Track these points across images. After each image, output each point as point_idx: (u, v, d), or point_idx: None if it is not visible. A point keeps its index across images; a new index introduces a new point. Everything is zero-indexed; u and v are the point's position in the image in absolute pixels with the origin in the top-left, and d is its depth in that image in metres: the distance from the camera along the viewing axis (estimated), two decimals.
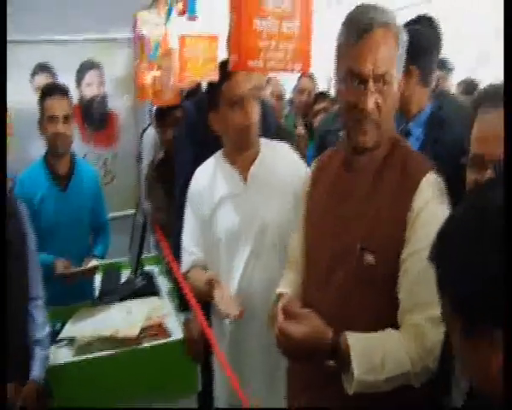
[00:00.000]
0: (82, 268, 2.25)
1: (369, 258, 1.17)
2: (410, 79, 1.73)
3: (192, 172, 1.83)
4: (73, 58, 3.19)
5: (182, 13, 1.80)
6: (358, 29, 1.12)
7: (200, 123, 1.94)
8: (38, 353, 1.72)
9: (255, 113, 1.62)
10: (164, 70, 1.84)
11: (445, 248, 0.71)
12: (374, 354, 1.10)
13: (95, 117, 3.29)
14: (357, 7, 1.18)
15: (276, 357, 1.48)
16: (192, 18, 1.50)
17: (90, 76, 3.28)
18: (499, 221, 0.62)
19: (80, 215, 2.41)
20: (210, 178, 1.76)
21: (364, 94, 1.13)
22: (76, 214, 2.38)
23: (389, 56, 1.15)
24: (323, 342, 1.10)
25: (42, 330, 1.78)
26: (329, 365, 1.13)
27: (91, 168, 2.57)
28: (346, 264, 1.22)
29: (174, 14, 1.89)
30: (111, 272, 2.66)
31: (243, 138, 1.66)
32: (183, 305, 1.99)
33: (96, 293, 2.49)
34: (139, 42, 2.80)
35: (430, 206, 1.15)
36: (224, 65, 1.57)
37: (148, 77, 2.37)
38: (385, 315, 1.18)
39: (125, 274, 2.71)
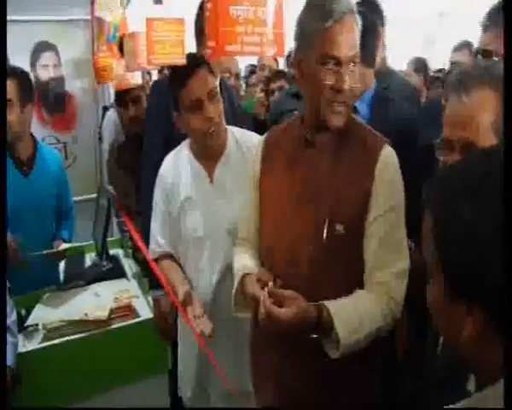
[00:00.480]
0: (53, 250, 2.22)
1: (339, 228, 1.27)
2: None
3: (161, 157, 1.82)
4: (27, 39, 3.08)
5: None
6: (331, 15, 1.19)
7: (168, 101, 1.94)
8: (8, 340, 1.70)
9: (216, 115, 1.61)
10: (127, 53, 1.83)
11: (441, 200, 0.69)
12: (352, 318, 1.21)
13: (52, 100, 3.20)
14: None
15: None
16: (158, 2, 1.51)
17: (46, 58, 3.18)
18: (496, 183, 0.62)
19: (44, 200, 2.37)
20: (177, 174, 1.75)
21: (341, 76, 1.22)
22: (40, 199, 2.34)
23: (356, 40, 1.25)
24: (310, 320, 1.18)
25: (10, 317, 1.77)
26: (313, 337, 1.22)
27: (54, 152, 2.52)
28: (315, 237, 1.29)
29: None
30: (74, 256, 2.63)
31: (205, 142, 1.66)
32: (152, 283, 2.01)
33: (61, 278, 2.47)
34: (97, 23, 2.75)
35: (389, 175, 1.28)
36: (177, 72, 1.60)
37: (108, 60, 2.34)
38: (351, 278, 1.30)
39: (89, 258, 2.71)
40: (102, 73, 2.48)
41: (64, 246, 2.35)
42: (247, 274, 1.37)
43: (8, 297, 1.81)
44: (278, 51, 0.97)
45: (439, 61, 5.68)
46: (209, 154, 1.70)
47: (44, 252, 2.21)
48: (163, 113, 1.94)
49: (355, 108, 1.86)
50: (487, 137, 1.03)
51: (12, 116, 2.17)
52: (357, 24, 1.25)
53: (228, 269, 1.63)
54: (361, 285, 1.30)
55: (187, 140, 1.78)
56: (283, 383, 1.39)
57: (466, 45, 3.37)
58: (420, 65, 3.85)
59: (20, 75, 2.22)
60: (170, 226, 1.78)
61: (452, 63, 3.23)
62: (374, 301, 1.25)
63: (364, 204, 1.27)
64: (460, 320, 0.65)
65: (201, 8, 1.95)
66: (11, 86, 2.15)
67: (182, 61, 1.42)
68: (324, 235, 1.28)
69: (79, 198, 3.01)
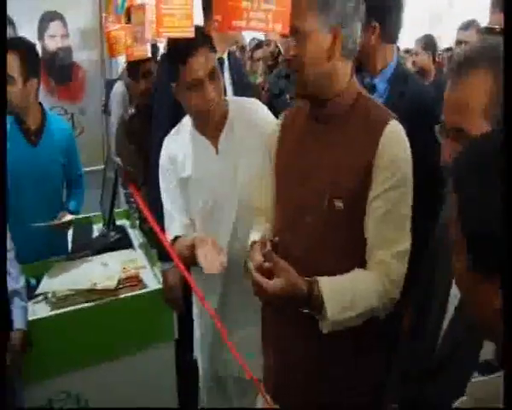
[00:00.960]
0: (56, 222, 2.26)
1: (338, 203, 1.27)
2: (372, 36, 1.79)
3: (170, 128, 1.83)
4: (35, 8, 3.07)
5: None
6: None
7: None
8: (18, 303, 1.76)
9: (216, 95, 1.60)
10: (136, 25, 1.82)
11: (465, 177, 0.70)
12: (344, 295, 1.21)
13: (59, 70, 3.19)
14: None
15: None
16: None
17: (53, 28, 3.16)
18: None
19: (52, 170, 2.39)
20: (181, 150, 1.74)
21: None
22: (48, 169, 2.36)
23: (298, 10, 1.21)
24: (299, 294, 1.18)
25: (18, 282, 1.82)
26: (304, 311, 1.23)
27: (64, 122, 2.53)
28: (315, 209, 1.31)
29: None
30: (82, 226, 2.67)
31: (203, 119, 1.66)
32: (160, 255, 2.04)
33: (69, 248, 2.51)
34: None
35: (393, 149, 1.24)
36: (178, 48, 1.58)
37: (119, 32, 2.33)
38: (352, 255, 1.29)
39: (96, 228, 2.75)
40: (114, 46, 2.47)
41: (68, 217, 2.36)
42: (255, 242, 1.39)
43: (15, 262, 1.85)
44: (283, 28, 0.97)
45: (448, 39, 5.61)
46: (211, 126, 1.70)
47: (46, 223, 2.23)
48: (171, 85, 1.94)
49: (373, 85, 1.87)
50: (478, 123, 0.99)
51: (13, 90, 2.14)
52: None
53: (236, 238, 1.67)
54: (363, 263, 1.29)
55: (187, 117, 1.77)
56: (284, 349, 1.43)
57: (472, 24, 3.30)
58: (428, 42, 3.80)
59: (26, 48, 2.20)
60: (183, 197, 1.76)
61: (458, 42, 3.16)
62: (369, 281, 1.24)
63: (366, 179, 1.25)
64: (489, 294, 0.66)
65: None
66: (15, 60, 2.12)
67: (190, 34, 1.41)
68: (323, 208, 1.29)
69: (87, 169, 3.01)
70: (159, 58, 2.10)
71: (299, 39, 1.23)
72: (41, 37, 3.12)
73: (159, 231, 1.76)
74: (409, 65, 3.71)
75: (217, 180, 1.71)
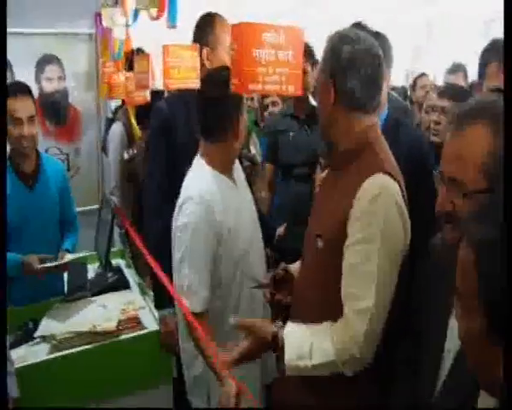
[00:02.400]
0: (58, 262, 2.26)
1: (320, 243, 1.35)
2: None
3: (165, 174, 1.93)
4: (32, 52, 3.14)
5: (155, 18, 1.87)
6: None
7: (173, 122, 2.02)
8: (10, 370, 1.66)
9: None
10: (139, 72, 1.90)
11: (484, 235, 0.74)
12: (303, 344, 1.27)
13: (56, 112, 3.25)
14: None
15: None
16: (173, 26, 1.58)
17: (50, 70, 3.22)
18: None
19: (49, 212, 2.41)
20: (215, 193, 1.66)
21: None
22: (44, 212, 2.37)
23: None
24: (265, 344, 1.32)
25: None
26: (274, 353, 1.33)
27: (58, 163, 2.55)
28: (310, 249, 1.44)
29: (148, 17, 1.94)
30: (77, 266, 2.67)
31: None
32: (158, 302, 2.07)
33: (65, 288, 2.51)
34: (102, 38, 2.81)
35: (365, 204, 1.24)
36: None
37: (120, 77, 2.41)
38: (332, 295, 1.31)
39: (91, 268, 2.76)
40: (114, 90, 2.55)
41: (68, 257, 2.38)
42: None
43: None
44: (295, 89, 1.04)
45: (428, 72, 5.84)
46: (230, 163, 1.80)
47: (47, 265, 2.23)
48: (163, 135, 2.04)
49: None
50: (474, 177, 1.01)
51: (35, 131, 2.26)
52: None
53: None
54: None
55: (198, 158, 1.77)
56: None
57: (460, 68, 3.43)
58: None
59: (30, 92, 2.27)
60: (211, 265, 1.67)
61: (447, 83, 3.28)
62: (330, 335, 1.26)
63: (341, 229, 1.28)
64: (496, 356, 0.69)
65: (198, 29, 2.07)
66: (31, 103, 2.23)
67: (196, 84, 1.49)
68: (313, 248, 1.40)
69: (82, 209, 3.05)
70: None
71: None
72: (38, 79, 3.18)
73: (162, 276, 1.78)
74: None
75: (247, 218, 1.81)
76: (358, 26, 2.24)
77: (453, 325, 1.11)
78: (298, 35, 1.03)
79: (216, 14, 2.07)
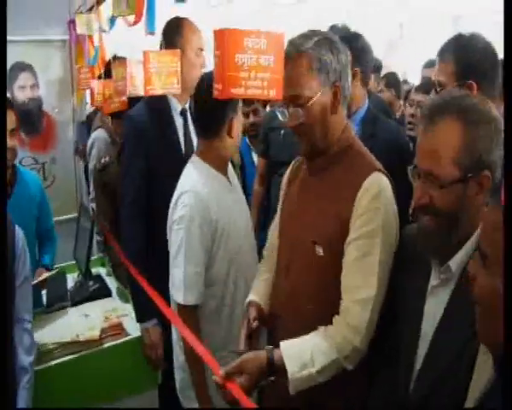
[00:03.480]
0: (36, 281, 2.23)
1: (319, 250, 1.35)
2: (353, 80, 1.94)
3: (139, 189, 1.94)
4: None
5: (132, 24, 1.88)
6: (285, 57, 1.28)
7: (146, 131, 2.02)
8: (25, 383, 1.67)
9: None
10: (117, 80, 1.90)
11: None
12: (304, 352, 1.26)
13: (29, 121, 3.19)
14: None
15: None
16: (151, 33, 1.58)
17: (23, 78, 3.16)
18: None
19: (25, 223, 2.35)
20: (210, 190, 1.69)
21: (288, 115, 1.34)
22: (21, 223, 2.33)
23: (300, 79, 1.30)
24: (262, 371, 1.24)
25: (30, 355, 1.73)
26: (270, 380, 1.27)
27: (33, 175, 2.52)
28: (302, 256, 1.40)
29: (124, 23, 1.94)
30: (56, 276, 2.64)
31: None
32: (140, 316, 2.06)
33: (44, 300, 2.47)
34: (76, 45, 2.78)
35: (368, 202, 1.29)
36: None
37: (97, 84, 2.40)
38: (333, 298, 1.33)
39: (70, 277, 2.72)
40: (94, 97, 2.53)
41: (45, 275, 2.34)
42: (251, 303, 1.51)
43: (30, 334, 1.76)
44: (277, 94, 1.07)
45: (401, 67, 5.97)
46: (225, 160, 1.82)
47: None
48: (137, 146, 2.03)
49: None
50: (448, 169, 1.07)
51: (16, 144, 2.18)
52: (311, 64, 1.30)
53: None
54: None
55: (194, 156, 1.79)
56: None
57: (435, 62, 3.51)
58: (391, 80, 3.96)
59: (12, 105, 2.24)
60: (202, 266, 1.69)
61: (424, 78, 3.34)
62: (328, 335, 1.27)
63: (344, 230, 1.31)
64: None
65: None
66: (13, 115, 2.15)
67: (177, 90, 1.50)
68: (307, 254, 1.37)
69: (59, 218, 3.01)
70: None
71: (302, 105, 1.31)
72: (10, 87, 3.12)
73: (147, 286, 1.77)
74: None
75: (241, 217, 1.81)
76: (335, 28, 2.31)
77: (429, 309, 1.18)
78: (279, 40, 1.05)
79: (183, 17, 2.08)
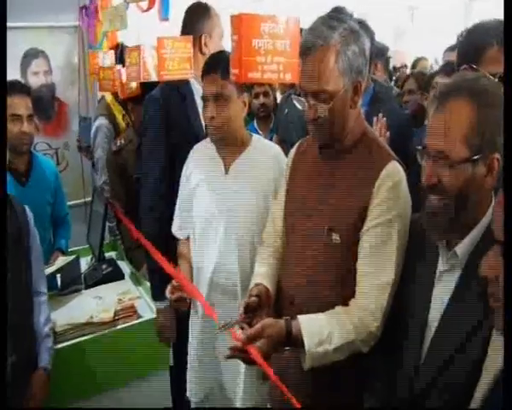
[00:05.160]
0: (52, 269, 2.28)
1: (336, 237, 1.36)
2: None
3: (163, 170, 1.95)
4: (17, 46, 3.10)
5: (146, 10, 1.89)
6: (301, 48, 1.26)
7: (169, 113, 2.02)
8: (45, 345, 1.80)
9: (213, 114, 1.68)
10: (131, 65, 1.92)
11: None
12: (322, 329, 1.26)
13: (43, 107, 3.22)
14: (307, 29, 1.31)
15: None
16: (165, 19, 1.60)
17: (36, 64, 3.20)
18: None
19: (41, 208, 2.41)
20: (198, 160, 1.85)
21: (308, 107, 1.32)
22: (37, 208, 2.36)
23: (326, 74, 1.28)
24: (281, 338, 1.24)
25: (47, 325, 1.86)
26: (286, 350, 1.29)
27: (49, 161, 2.57)
28: (316, 243, 1.40)
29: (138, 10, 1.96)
30: (70, 260, 2.69)
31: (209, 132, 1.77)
32: (156, 294, 2.07)
33: (58, 282, 2.52)
34: (90, 30, 2.80)
35: (387, 191, 1.31)
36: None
37: (109, 70, 2.42)
38: (348, 285, 1.36)
39: (83, 261, 2.77)
40: (103, 82, 2.55)
41: (60, 260, 2.40)
42: (257, 285, 1.48)
43: (46, 307, 1.89)
44: (292, 77, 1.09)
45: (411, 53, 5.91)
46: (226, 150, 1.79)
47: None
48: (161, 127, 2.03)
49: None
50: (458, 148, 1.08)
51: (33, 130, 2.30)
52: (337, 55, 1.27)
53: (229, 259, 1.74)
54: None
55: None
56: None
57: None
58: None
59: (29, 92, 2.29)
60: (185, 207, 1.87)
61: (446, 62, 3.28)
62: (346, 316, 1.29)
63: (361, 218, 1.33)
64: None
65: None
66: (30, 102, 2.26)
67: (190, 75, 1.51)
68: (323, 241, 1.38)
69: (72, 202, 3.05)
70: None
71: (325, 100, 1.30)
72: (24, 74, 3.15)
73: (163, 262, 1.80)
74: None
75: (219, 195, 1.78)
76: (338, 10, 2.31)
77: (436, 294, 1.19)
78: (294, 25, 1.07)
79: (208, 3, 2.09)
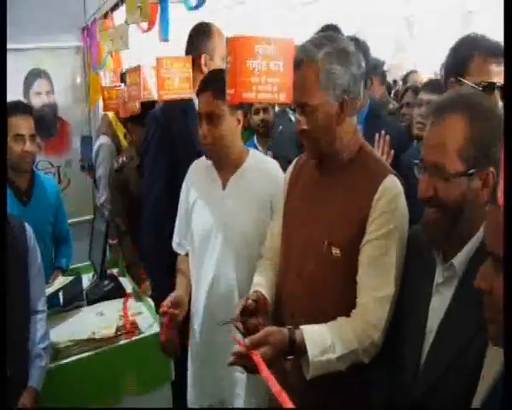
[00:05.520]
0: (53, 290, 2.29)
1: (336, 251, 1.39)
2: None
3: (165, 185, 1.97)
4: (20, 67, 3.17)
5: (146, 30, 1.94)
6: (293, 65, 1.31)
7: (171, 130, 2.07)
8: (38, 363, 1.79)
9: (206, 132, 1.72)
10: (131, 84, 1.96)
11: None
12: (325, 338, 1.28)
13: (45, 126, 3.28)
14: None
15: None
16: (165, 40, 1.64)
17: (39, 85, 3.26)
18: None
19: (43, 227, 2.44)
20: (196, 177, 1.89)
21: (296, 119, 1.38)
22: (39, 227, 2.38)
23: (307, 88, 1.33)
24: (284, 347, 1.25)
25: (42, 343, 1.84)
26: (289, 359, 1.30)
27: (51, 180, 2.61)
28: (315, 256, 1.43)
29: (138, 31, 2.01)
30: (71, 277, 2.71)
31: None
32: (157, 308, 2.09)
33: (60, 299, 2.54)
34: (93, 51, 2.85)
35: (385, 204, 1.34)
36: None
37: (113, 90, 2.47)
38: (349, 298, 1.38)
39: (85, 277, 2.78)
40: (107, 102, 2.60)
41: (59, 280, 2.42)
42: (255, 291, 1.50)
43: (44, 323, 1.89)
44: (287, 97, 1.12)
45: (409, 64, 5.97)
46: (222, 166, 1.82)
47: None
48: (163, 142, 2.07)
49: None
50: (453, 162, 1.11)
51: (36, 149, 2.34)
52: (318, 73, 1.31)
53: (225, 273, 1.77)
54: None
55: None
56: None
57: None
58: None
59: (31, 112, 2.33)
60: (184, 223, 1.91)
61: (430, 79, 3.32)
62: (349, 326, 1.31)
63: (360, 231, 1.36)
64: None
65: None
66: (32, 122, 2.31)
67: (190, 94, 1.55)
68: (323, 255, 1.40)
69: (74, 220, 3.09)
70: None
71: (308, 113, 1.35)
72: (26, 94, 3.21)
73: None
74: None
75: (217, 210, 1.81)
76: (331, 28, 2.37)
77: (434, 307, 1.21)
78: (288, 46, 1.10)
79: (211, 23, 2.14)
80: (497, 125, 1.11)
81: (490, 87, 1.45)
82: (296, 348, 1.26)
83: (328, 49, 1.33)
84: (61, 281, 2.40)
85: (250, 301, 1.42)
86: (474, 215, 1.14)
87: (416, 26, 7.67)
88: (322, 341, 1.27)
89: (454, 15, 6.82)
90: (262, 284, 1.55)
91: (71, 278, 2.47)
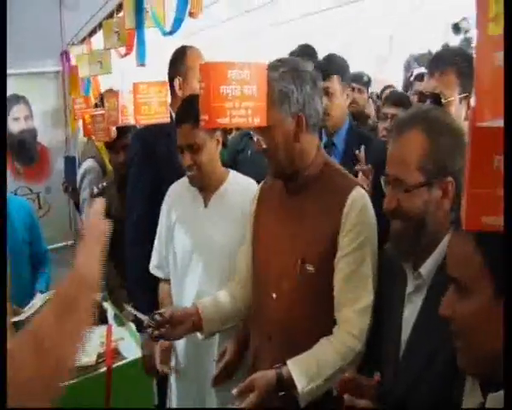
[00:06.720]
0: (31, 312, 2.25)
1: (310, 268, 1.40)
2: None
3: (146, 205, 1.97)
4: None
5: (123, 55, 1.96)
6: None
7: (154, 151, 2.07)
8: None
9: (190, 162, 1.74)
10: (110, 110, 1.97)
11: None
12: (310, 366, 1.32)
13: (24, 152, 3.25)
14: None
15: None
16: (142, 64, 1.66)
17: (17, 110, 3.24)
18: None
19: (18, 249, 2.40)
20: (177, 196, 1.90)
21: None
22: (14, 249, 2.36)
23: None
24: (272, 387, 1.31)
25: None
26: (280, 395, 1.33)
27: (23, 201, 2.57)
28: (290, 276, 1.44)
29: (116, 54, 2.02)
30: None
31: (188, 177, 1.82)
32: (137, 326, 2.09)
33: None
34: (70, 76, 2.86)
35: (355, 216, 1.37)
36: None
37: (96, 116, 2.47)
38: (325, 314, 1.40)
39: None
40: (88, 128, 2.60)
41: (41, 296, 2.37)
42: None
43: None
44: (261, 121, 1.13)
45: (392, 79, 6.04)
46: (204, 187, 1.84)
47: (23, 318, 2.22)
48: (146, 161, 2.07)
49: (333, 144, 2.12)
50: (413, 174, 1.16)
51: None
52: (271, 93, 1.31)
53: (209, 289, 1.76)
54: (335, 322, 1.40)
55: None
56: None
57: None
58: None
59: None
60: (164, 245, 1.91)
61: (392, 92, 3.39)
62: (332, 347, 1.35)
63: (333, 245, 1.38)
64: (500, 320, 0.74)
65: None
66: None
67: (166, 119, 1.56)
68: (297, 273, 1.41)
69: (55, 246, 3.05)
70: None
71: (265, 132, 1.37)
72: None
73: None
74: None
75: (199, 229, 1.82)
76: (306, 47, 2.43)
77: (407, 315, 1.24)
78: (261, 70, 1.12)
79: (188, 46, 2.14)
80: (456, 138, 1.16)
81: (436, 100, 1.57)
82: (285, 384, 1.30)
83: (283, 69, 1.35)
84: (41, 297, 2.34)
85: (157, 317, 1.52)
86: (437, 223, 1.18)
87: (396, 42, 7.79)
88: (308, 369, 1.31)
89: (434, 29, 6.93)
90: (205, 302, 1.61)
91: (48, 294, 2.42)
